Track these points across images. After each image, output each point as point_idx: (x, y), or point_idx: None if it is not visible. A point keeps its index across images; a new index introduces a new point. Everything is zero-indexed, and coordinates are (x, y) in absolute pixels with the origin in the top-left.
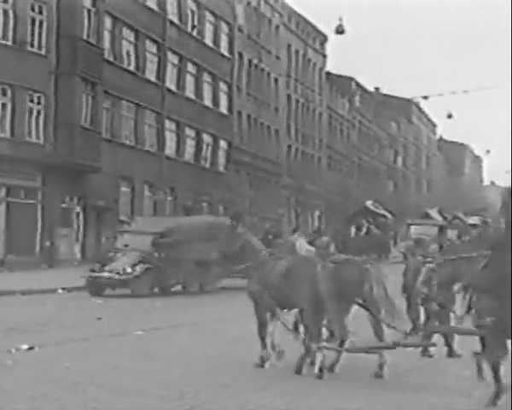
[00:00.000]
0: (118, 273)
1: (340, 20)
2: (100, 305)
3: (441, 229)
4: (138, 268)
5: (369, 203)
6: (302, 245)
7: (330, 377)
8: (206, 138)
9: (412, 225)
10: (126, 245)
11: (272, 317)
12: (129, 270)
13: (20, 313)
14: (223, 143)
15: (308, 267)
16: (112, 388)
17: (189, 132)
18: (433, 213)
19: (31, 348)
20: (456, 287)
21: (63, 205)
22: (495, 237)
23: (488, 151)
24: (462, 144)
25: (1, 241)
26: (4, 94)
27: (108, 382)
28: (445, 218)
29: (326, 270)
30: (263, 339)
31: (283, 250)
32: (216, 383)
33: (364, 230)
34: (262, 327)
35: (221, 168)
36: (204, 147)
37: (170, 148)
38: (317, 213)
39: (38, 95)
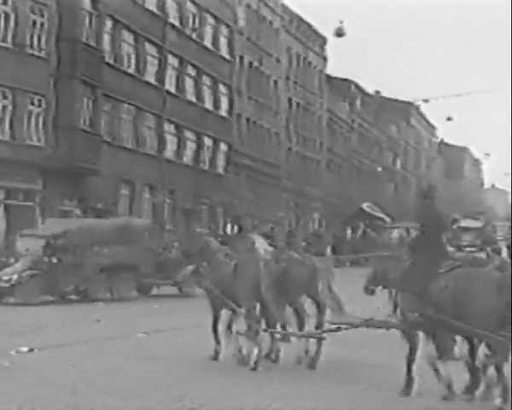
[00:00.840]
0: (3, 281)
1: (341, 22)
2: (99, 307)
3: (408, 231)
4: (25, 275)
5: (365, 206)
6: (261, 244)
7: (327, 378)
8: (206, 141)
9: (390, 228)
10: (27, 249)
11: (233, 314)
12: (14, 277)
13: (20, 316)
14: (223, 146)
15: (251, 265)
16: (111, 390)
17: (189, 135)
18: None
19: (30, 351)
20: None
21: (63, 207)
22: (412, 238)
23: (487, 154)
24: (461, 147)
25: (0, 243)
26: (4, 97)
27: (108, 384)
28: None
29: (268, 268)
30: (215, 333)
31: (243, 248)
32: (214, 386)
33: (360, 232)
34: (215, 322)
35: (221, 171)
36: (204, 150)
37: (170, 150)
38: (316, 215)
39: (39, 97)
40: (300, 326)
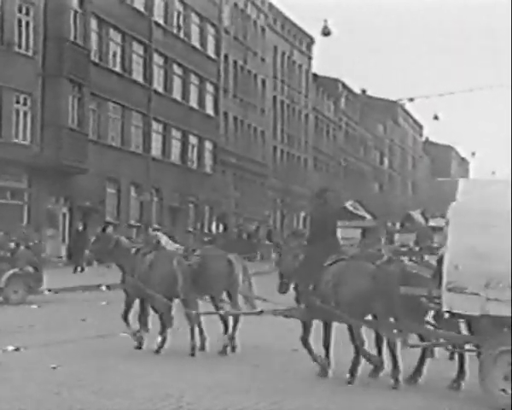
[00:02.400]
0: None
1: (326, 21)
2: (86, 306)
3: (364, 232)
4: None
5: (348, 204)
6: (167, 242)
7: (315, 377)
8: (192, 140)
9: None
10: None
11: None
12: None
13: (6, 314)
14: (208, 145)
15: (167, 261)
16: (97, 389)
17: (176, 134)
18: (416, 214)
19: (16, 350)
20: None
21: (49, 206)
22: (308, 234)
23: (474, 153)
24: (448, 146)
25: None
26: None
27: (94, 383)
28: (426, 220)
29: (183, 264)
30: (126, 321)
31: (149, 245)
32: (201, 384)
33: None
34: (127, 311)
35: (207, 169)
36: (190, 148)
37: (156, 149)
38: (302, 214)
39: (25, 96)
40: (226, 326)
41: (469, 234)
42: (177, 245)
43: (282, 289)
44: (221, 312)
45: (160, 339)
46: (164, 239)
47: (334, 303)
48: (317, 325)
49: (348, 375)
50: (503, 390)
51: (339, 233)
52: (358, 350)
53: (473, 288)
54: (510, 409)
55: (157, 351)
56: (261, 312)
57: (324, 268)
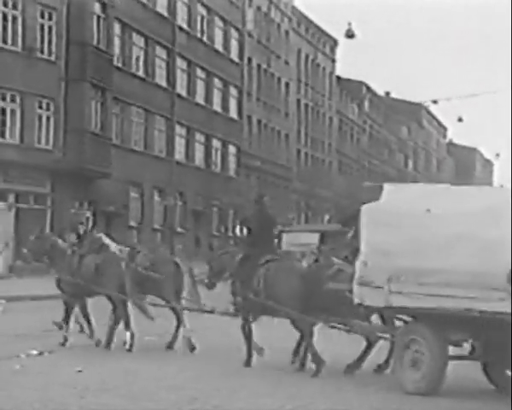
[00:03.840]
0: None
1: (350, 24)
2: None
3: (323, 237)
4: None
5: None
6: (110, 244)
7: (341, 381)
8: (216, 143)
9: (285, 232)
10: None
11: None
12: None
13: (30, 319)
14: (232, 148)
15: (115, 264)
16: (123, 392)
17: (199, 137)
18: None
19: (40, 354)
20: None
21: (73, 211)
22: (247, 235)
23: (498, 155)
24: (472, 148)
25: (10, 247)
26: (13, 100)
27: (119, 386)
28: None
29: (130, 267)
30: (67, 322)
31: (92, 246)
32: (227, 387)
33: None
34: (68, 311)
35: (231, 173)
36: (213, 152)
37: (179, 153)
38: (326, 217)
39: (48, 101)
40: (178, 321)
41: (377, 233)
42: (121, 247)
43: (210, 286)
44: (173, 305)
45: (128, 335)
46: (107, 241)
47: (269, 298)
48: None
49: (300, 366)
50: (412, 375)
51: (296, 238)
52: (310, 343)
53: (378, 282)
54: (418, 393)
55: (129, 349)
56: (212, 311)
57: (259, 267)
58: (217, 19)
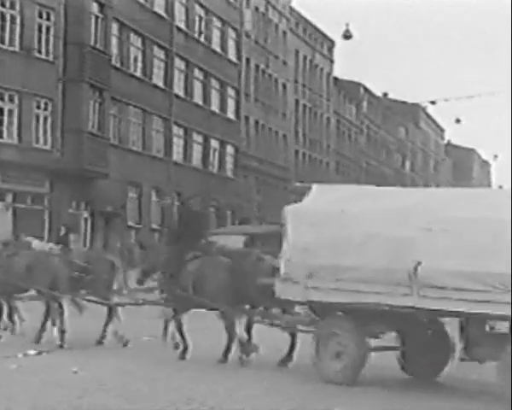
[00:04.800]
0: None
1: (347, 25)
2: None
3: (252, 240)
4: None
5: None
6: (40, 245)
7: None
8: (214, 144)
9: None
10: None
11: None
12: None
13: (28, 319)
14: (230, 149)
15: (46, 261)
16: (120, 393)
17: (197, 138)
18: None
19: (38, 354)
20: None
21: (71, 211)
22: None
23: (496, 156)
24: (469, 149)
25: None
26: (12, 100)
27: (117, 387)
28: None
29: (62, 261)
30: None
31: (20, 248)
32: (224, 388)
33: None
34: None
35: (229, 174)
36: (211, 152)
37: (177, 153)
38: None
39: (45, 101)
40: (109, 315)
41: (299, 232)
42: (51, 244)
43: (141, 281)
44: (109, 303)
45: (55, 332)
46: (35, 242)
47: (194, 292)
48: None
49: (222, 357)
50: (334, 366)
51: (223, 241)
52: (230, 332)
53: (299, 278)
54: (338, 382)
55: (61, 345)
56: (143, 303)
57: (185, 262)
58: (215, 19)
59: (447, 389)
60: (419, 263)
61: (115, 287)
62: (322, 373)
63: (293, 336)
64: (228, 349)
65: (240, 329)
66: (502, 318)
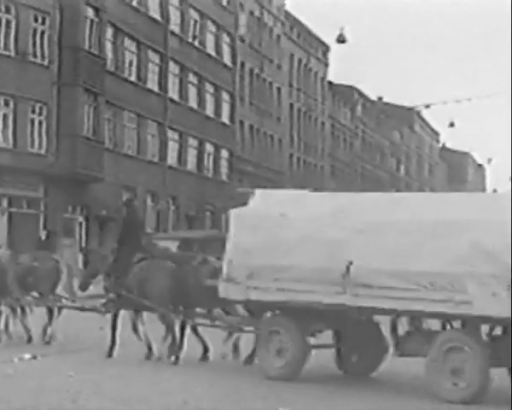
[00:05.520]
0: None
1: (342, 29)
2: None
3: (187, 243)
4: None
5: None
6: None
7: (334, 383)
8: (209, 148)
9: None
10: None
11: None
12: None
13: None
14: (225, 153)
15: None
16: (115, 396)
17: (192, 142)
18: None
19: (34, 358)
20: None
21: (66, 215)
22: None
23: (490, 159)
24: (464, 153)
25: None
26: (6, 104)
27: (112, 391)
28: None
29: (17, 265)
30: None
31: None
32: (218, 392)
33: None
34: None
35: (224, 178)
36: (206, 156)
37: (172, 157)
38: None
39: (40, 105)
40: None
41: (241, 234)
42: (2, 249)
43: (83, 287)
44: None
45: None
46: None
47: (140, 294)
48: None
49: (173, 357)
50: (276, 363)
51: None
52: (173, 333)
53: (240, 278)
54: (280, 379)
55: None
56: (81, 308)
57: (131, 265)
58: (209, 23)
59: (381, 385)
60: (351, 263)
61: (60, 289)
62: (264, 370)
63: (236, 340)
64: (172, 348)
65: (227, 344)
66: (430, 315)
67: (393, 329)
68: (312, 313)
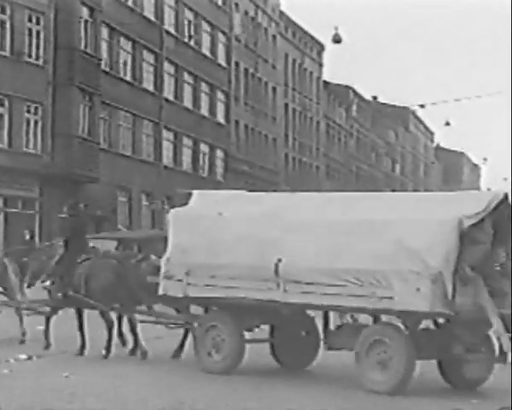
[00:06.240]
0: None
1: (337, 29)
2: (97, 315)
3: (123, 244)
4: None
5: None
6: None
7: (333, 386)
8: (204, 148)
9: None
10: None
11: None
12: None
13: (18, 324)
14: (220, 153)
15: None
16: (111, 397)
17: (187, 142)
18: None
19: (29, 358)
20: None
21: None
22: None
23: (485, 159)
24: (459, 152)
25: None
26: (2, 105)
27: (107, 391)
28: None
29: None
30: None
31: None
32: (214, 391)
33: None
34: None
35: (219, 177)
36: (201, 156)
37: (167, 157)
38: None
39: (36, 105)
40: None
41: (179, 233)
42: None
43: (31, 284)
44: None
45: None
46: None
47: (85, 293)
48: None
49: (104, 351)
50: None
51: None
52: (111, 330)
53: (178, 276)
54: (217, 372)
55: None
56: (28, 308)
57: (77, 265)
58: (204, 23)
59: (435, 387)
60: (280, 260)
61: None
62: (202, 364)
63: (185, 331)
64: (108, 346)
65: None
66: (357, 310)
67: (324, 323)
68: (248, 309)
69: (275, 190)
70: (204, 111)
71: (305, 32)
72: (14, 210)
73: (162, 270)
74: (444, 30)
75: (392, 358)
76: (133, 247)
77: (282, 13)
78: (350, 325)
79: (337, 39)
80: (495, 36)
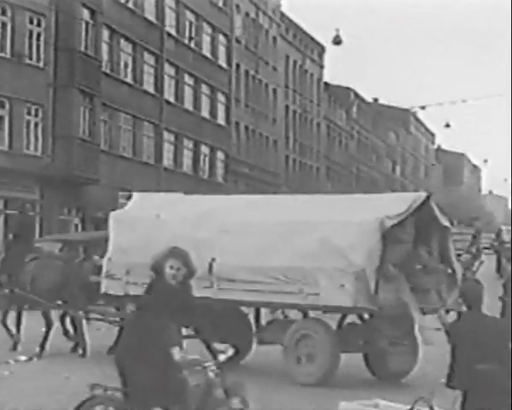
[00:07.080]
0: None
1: (337, 30)
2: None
3: (71, 245)
4: None
5: None
6: None
7: (327, 385)
8: (204, 149)
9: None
10: None
11: None
12: None
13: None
14: (220, 154)
15: None
16: None
17: (187, 144)
18: None
19: (29, 360)
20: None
21: (61, 217)
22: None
23: (486, 161)
24: (460, 154)
25: None
26: (2, 106)
27: None
28: None
29: None
30: None
31: None
32: None
33: None
34: None
35: (219, 179)
36: (202, 158)
37: (168, 159)
38: None
39: (36, 107)
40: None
41: (120, 234)
42: None
43: None
44: None
45: None
46: None
47: (31, 291)
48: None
49: (38, 348)
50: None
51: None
52: (49, 331)
53: (119, 275)
54: None
55: None
56: None
57: (24, 264)
58: (205, 25)
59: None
60: (213, 260)
61: None
62: None
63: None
64: (44, 343)
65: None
66: (286, 306)
67: (256, 319)
68: None
69: (275, 192)
70: (204, 113)
71: (306, 34)
72: (14, 212)
73: (104, 269)
74: (445, 32)
75: (318, 351)
76: (78, 248)
77: (282, 14)
78: (280, 320)
79: (338, 41)
80: (495, 36)
